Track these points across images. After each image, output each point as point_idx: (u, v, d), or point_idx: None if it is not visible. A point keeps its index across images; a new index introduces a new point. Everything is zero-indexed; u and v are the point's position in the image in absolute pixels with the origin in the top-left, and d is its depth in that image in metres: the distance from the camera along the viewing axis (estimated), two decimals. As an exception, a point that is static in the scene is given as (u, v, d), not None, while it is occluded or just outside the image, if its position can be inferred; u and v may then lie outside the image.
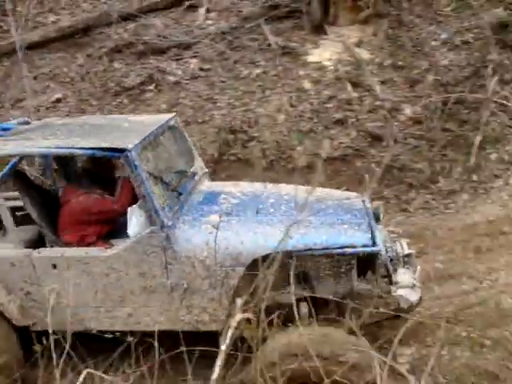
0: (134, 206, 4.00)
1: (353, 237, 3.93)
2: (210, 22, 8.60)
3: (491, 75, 7.00)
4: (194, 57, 8.00)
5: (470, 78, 7.17)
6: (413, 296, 3.92)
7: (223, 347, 2.76)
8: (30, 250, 3.97)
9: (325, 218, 4.09)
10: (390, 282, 3.99)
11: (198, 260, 3.81)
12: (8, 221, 4.67)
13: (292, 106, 7.01)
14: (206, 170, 4.99)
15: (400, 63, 7.51)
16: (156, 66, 7.88)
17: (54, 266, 3.88)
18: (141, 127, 4.30)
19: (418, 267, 4.20)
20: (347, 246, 3.86)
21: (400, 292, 3.90)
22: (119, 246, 3.92)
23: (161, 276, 3.87)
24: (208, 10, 8.75)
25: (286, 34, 8.12)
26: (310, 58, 7.71)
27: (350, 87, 7.15)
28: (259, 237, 3.87)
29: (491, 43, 7.23)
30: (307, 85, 7.33)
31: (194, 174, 4.63)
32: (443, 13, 8.16)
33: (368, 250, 3.87)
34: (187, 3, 8.75)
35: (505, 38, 7.47)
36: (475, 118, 6.77)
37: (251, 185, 4.83)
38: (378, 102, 6.93)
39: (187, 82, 7.69)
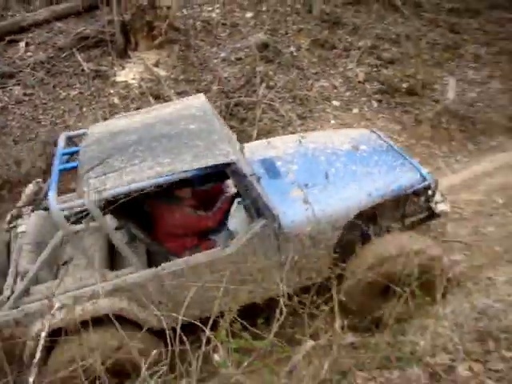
0: (234, 203, 4.26)
1: (408, 178, 4.40)
2: (29, 53, 8.96)
3: (260, 83, 7.92)
4: (18, 84, 8.36)
5: (244, 85, 8.05)
6: (448, 207, 4.52)
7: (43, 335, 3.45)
8: (153, 270, 3.96)
9: (379, 168, 4.49)
10: (428, 200, 4.50)
11: (305, 235, 4.06)
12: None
13: (105, 119, 7.14)
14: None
15: (191, 78, 8.29)
16: (-18, 94, 8.07)
17: (180, 275, 3.96)
18: (208, 126, 4.11)
19: (437, 179, 4.60)
20: (407, 187, 4.37)
21: (440, 207, 4.47)
22: (235, 243, 4.01)
23: (274, 256, 4.09)
24: (27, 44, 9.11)
25: (96, 59, 8.65)
26: (118, 79, 8.26)
27: (152, 100, 7.71)
28: (346, 202, 4.21)
29: (257, 59, 8.14)
30: (117, 101, 7.87)
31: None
32: (221, 37, 9.24)
33: (423, 185, 4.41)
34: (7, 38, 9.14)
35: (267, 55, 8.57)
36: (251, 116, 7.58)
37: (284, 143, 4.93)
38: (175, 111, 7.82)
39: (13, 106, 8.06)
